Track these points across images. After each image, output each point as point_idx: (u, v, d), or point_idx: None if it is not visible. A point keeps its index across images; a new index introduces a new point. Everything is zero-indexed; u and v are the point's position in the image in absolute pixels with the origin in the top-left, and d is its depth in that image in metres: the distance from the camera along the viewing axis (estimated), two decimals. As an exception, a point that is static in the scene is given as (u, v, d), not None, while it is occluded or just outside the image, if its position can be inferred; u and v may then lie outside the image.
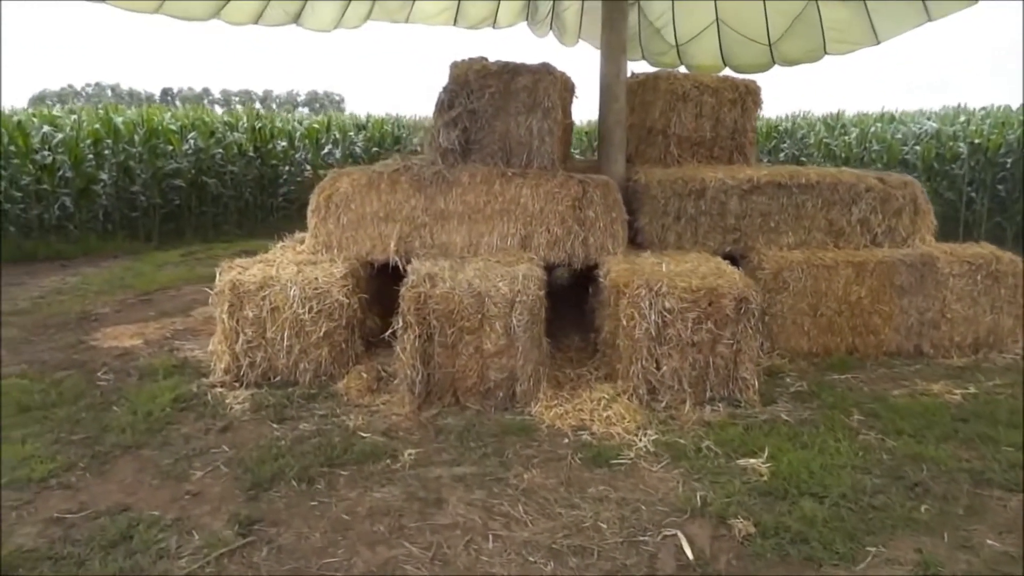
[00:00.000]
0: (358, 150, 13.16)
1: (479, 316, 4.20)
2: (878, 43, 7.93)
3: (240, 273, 4.67)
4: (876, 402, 4.34)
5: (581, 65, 6.91)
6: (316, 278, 4.61)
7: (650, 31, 9.97)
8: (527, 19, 9.66)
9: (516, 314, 4.18)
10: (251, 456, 3.59)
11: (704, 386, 4.29)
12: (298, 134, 12.83)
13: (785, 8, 8.51)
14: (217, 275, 4.71)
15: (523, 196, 5.05)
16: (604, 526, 2.97)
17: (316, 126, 13.36)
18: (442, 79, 5.27)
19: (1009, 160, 10.07)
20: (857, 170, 6.03)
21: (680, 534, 2.90)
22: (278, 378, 4.61)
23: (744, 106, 6.05)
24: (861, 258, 5.30)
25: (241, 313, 4.54)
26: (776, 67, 9.22)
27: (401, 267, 5.09)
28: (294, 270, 4.73)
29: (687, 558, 2.76)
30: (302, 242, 5.73)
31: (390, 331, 4.34)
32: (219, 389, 4.48)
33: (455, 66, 5.21)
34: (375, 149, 13.25)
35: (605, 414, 4.07)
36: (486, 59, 5.17)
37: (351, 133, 13.59)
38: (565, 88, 5.57)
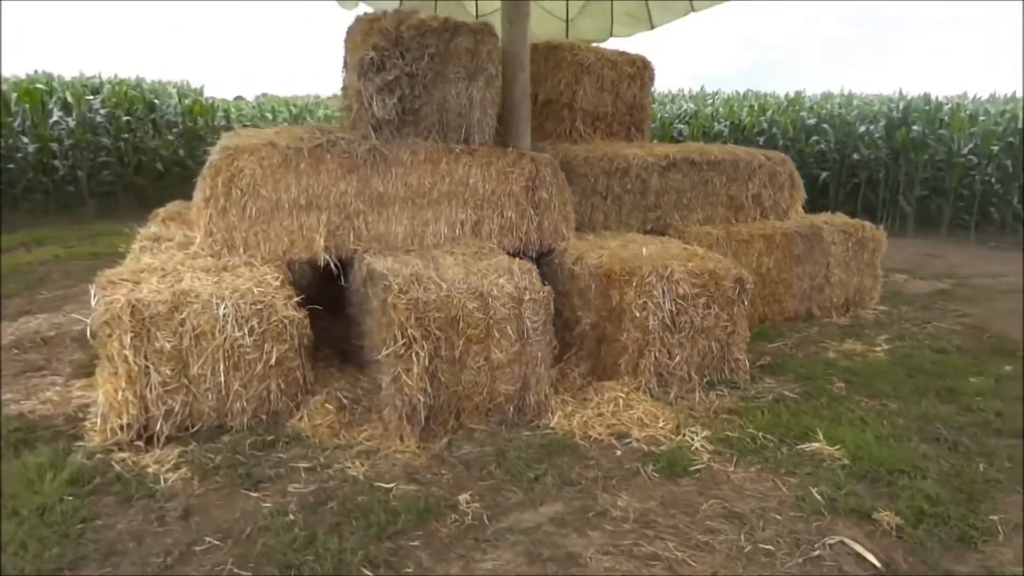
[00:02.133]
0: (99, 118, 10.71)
1: (486, 321, 3.52)
2: (652, 28, 8.54)
3: (132, 290, 3.35)
4: (828, 367, 4.58)
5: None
6: (250, 289, 3.49)
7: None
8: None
9: (529, 314, 3.59)
10: (266, 552, 2.56)
11: (703, 371, 4.13)
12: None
13: None
14: (93, 295, 3.33)
15: (472, 176, 4.37)
16: (768, 547, 2.64)
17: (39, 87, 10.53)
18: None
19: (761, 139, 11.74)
20: (739, 147, 6.34)
21: (849, 540, 2.68)
22: (198, 426, 3.43)
23: (642, 81, 5.97)
24: (769, 231, 5.57)
25: (150, 346, 3.26)
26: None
27: (334, 267, 4.12)
28: (211, 280, 3.53)
29: (872, 564, 2.56)
30: (159, 239, 4.39)
31: (385, 349, 3.42)
32: (123, 455, 3.19)
33: (382, 19, 4.28)
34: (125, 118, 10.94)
35: (632, 415, 3.70)
36: (418, 11, 4.34)
37: (88, 98, 10.95)
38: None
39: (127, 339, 3.20)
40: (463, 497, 2.94)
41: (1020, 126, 9.68)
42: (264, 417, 3.53)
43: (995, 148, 9.88)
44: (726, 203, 5.79)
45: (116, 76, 11.84)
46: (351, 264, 4.15)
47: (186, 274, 3.61)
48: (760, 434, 3.53)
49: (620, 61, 5.89)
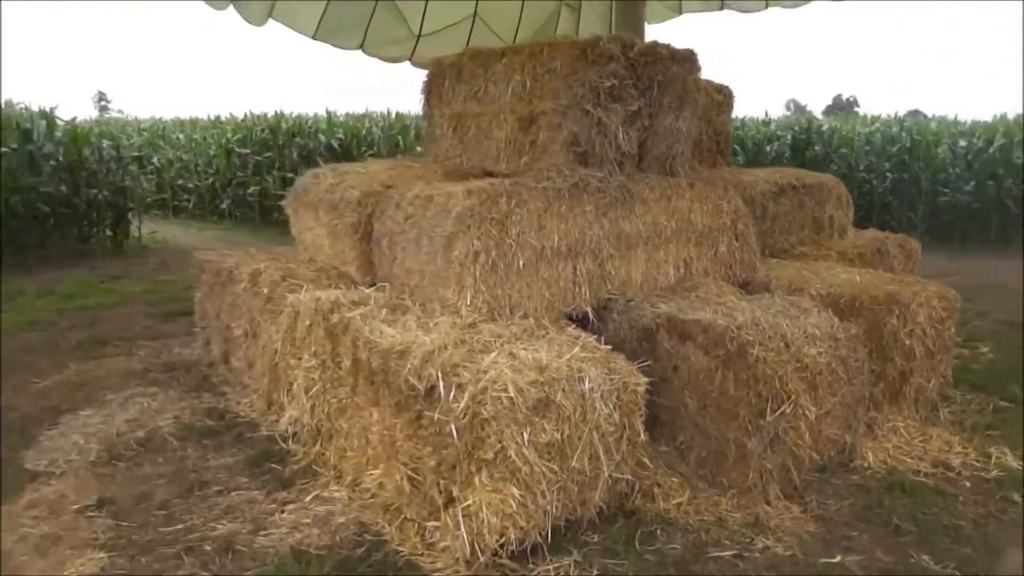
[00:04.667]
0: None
1: (822, 365, 3.33)
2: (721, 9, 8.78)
3: (501, 374, 2.71)
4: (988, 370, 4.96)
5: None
6: (595, 358, 2.98)
7: (389, 17, 8.87)
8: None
9: (847, 352, 3.45)
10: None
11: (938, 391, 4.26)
12: None
13: (540, 8, 8.78)
14: (445, 384, 2.65)
15: (693, 212, 4.13)
16: None
17: None
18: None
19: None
20: (808, 171, 6.63)
21: None
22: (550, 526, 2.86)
23: (728, 108, 6.04)
24: (849, 247, 5.89)
25: (537, 438, 2.65)
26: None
27: (594, 320, 3.68)
28: (543, 352, 2.95)
29: None
30: (358, 303, 3.65)
31: (762, 407, 3.08)
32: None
33: (599, 43, 3.89)
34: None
35: (929, 444, 3.71)
36: (633, 37, 4.01)
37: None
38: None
39: (521, 433, 2.58)
40: (924, 557, 2.75)
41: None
42: (606, 505, 3.02)
43: (887, 164, 11.37)
44: (811, 224, 6.04)
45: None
46: (604, 314, 3.72)
47: (501, 347, 2.99)
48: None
49: (709, 88, 5.92)
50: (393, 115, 14.19)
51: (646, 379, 2.99)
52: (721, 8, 8.85)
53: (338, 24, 7.51)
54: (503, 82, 4.52)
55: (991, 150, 10.71)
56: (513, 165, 4.43)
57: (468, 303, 3.30)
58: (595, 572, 2.64)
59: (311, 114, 14.11)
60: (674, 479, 3.25)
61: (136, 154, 11.32)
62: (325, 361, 3.54)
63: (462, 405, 2.60)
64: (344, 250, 4.40)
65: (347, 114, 14.26)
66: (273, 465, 3.58)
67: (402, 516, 2.93)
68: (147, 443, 3.89)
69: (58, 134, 9.62)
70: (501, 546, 2.64)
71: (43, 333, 6.08)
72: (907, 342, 3.91)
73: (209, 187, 14.14)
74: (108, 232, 10.19)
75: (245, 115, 14.10)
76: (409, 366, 2.82)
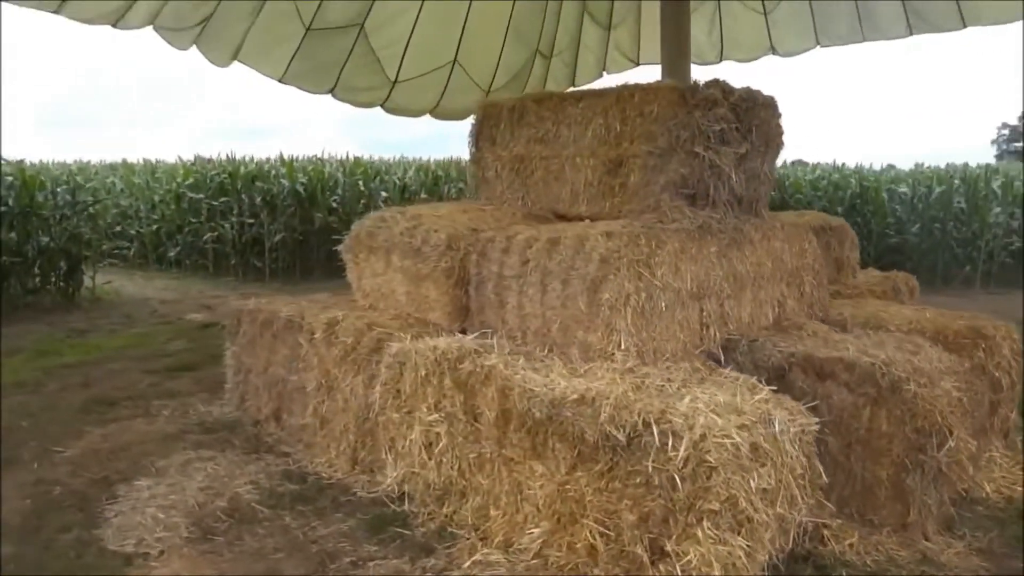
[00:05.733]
0: None
1: (958, 408, 3.41)
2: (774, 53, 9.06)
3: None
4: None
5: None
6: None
7: (365, 61, 8.78)
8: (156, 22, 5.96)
9: (967, 386, 3.56)
10: None
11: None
12: None
13: (516, 57, 8.98)
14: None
15: (784, 252, 4.21)
16: None
17: None
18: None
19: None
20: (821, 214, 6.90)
21: None
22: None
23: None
24: (879, 287, 6.18)
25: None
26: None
27: (721, 362, 3.64)
28: (730, 398, 2.88)
29: None
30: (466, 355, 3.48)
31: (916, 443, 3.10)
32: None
33: (706, 86, 3.95)
34: None
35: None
36: (724, 81, 4.09)
37: None
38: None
39: (747, 480, 2.48)
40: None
41: None
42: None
43: (839, 209, 12.11)
44: (834, 264, 6.28)
45: None
46: (726, 355, 3.69)
47: (677, 391, 2.90)
48: None
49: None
50: (352, 159, 13.92)
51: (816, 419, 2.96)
52: None
53: (310, 67, 7.34)
54: (579, 125, 4.51)
55: (932, 197, 11.59)
56: (596, 207, 4.40)
57: (621, 347, 3.19)
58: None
59: (264, 158, 13.65)
60: (838, 520, 3.21)
61: (91, 199, 10.51)
62: (454, 414, 3.32)
63: (681, 453, 2.49)
64: (428, 296, 4.20)
65: (303, 158, 13.87)
66: (398, 530, 3.29)
67: (590, 576, 2.74)
68: (235, 513, 3.50)
69: (8, 176, 8.83)
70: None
71: (35, 395, 5.46)
72: (995, 374, 4.07)
73: (153, 234, 13.33)
74: (60, 283, 9.37)
75: (195, 158, 13.47)
76: (603, 415, 2.67)
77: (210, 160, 13.67)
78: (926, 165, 13.93)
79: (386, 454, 3.68)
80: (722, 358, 3.58)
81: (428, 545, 3.16)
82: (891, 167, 14.23)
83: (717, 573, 2.45)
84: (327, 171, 12.73)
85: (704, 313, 3.59)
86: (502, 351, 3.39)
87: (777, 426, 2.74)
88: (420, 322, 4.20)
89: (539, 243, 3.61)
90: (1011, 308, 8.65)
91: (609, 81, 9.90)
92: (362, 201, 12.74)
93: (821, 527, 3.12)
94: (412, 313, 4.33)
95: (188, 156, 13.97)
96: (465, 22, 8.03)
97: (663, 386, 2.94)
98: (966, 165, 12.71)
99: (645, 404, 2.69)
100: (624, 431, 2.63)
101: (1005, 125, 50.72)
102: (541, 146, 4.75)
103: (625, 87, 4.30)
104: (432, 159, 15.44)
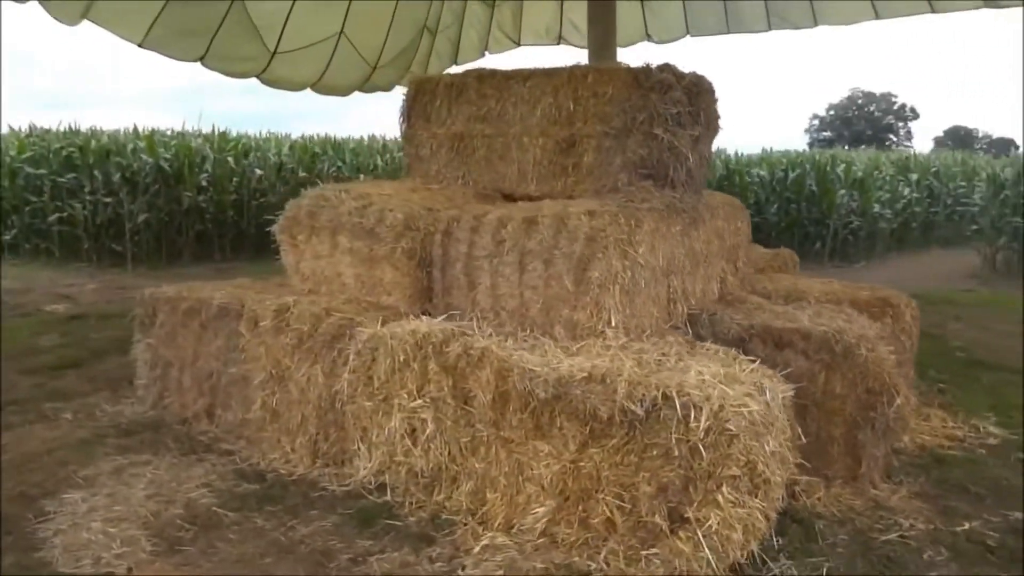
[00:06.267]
0: None
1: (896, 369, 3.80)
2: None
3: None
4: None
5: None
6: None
7: (240, 29, 8.26)
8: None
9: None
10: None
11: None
12: None
13: (405, 32, 8.88)
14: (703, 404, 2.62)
15: (724, 230, 4.46)
16: None
17: None
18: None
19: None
20: None
21: None
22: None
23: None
24: (770, 262, 6.70)
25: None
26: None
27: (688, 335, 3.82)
28: (722, 368, 3.03)
29: None
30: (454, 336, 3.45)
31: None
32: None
33: (659, 71, 4.05)
34: None
35: (940, 422, 4.41)
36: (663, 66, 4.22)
37: None
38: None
39: (763, 445, 2.64)
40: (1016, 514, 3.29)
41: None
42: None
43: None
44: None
45: None
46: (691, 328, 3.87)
47: (676, 365, 3.02)
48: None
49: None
50: (218, 133, 12.92)
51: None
52: (558, 43, 9.58)
53: (175, 31, 6.65)
54: (526, 104, 4.50)
55: (788, 180, 12.70)
56: (546, 186, 4.42)
57: (612, 324, 3.25)
58: (823, 572, 2.76)
59: (118, 130, 12.39)
60: (804, 476, 3.49)
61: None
62: (441, 398, 3.24)
63: (703, 423, 2.59)
64: (383, 279, 4.03)
65: (157, 130, 12.67)
66: (387, 522, 3.17)
67: (605, 549, 2.79)
68: (196, 520, 3.21)
69: None
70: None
71: None
72: (900, 337, 4.58)
73: (-19, 215, 11.68)
74: None
75: (31, 128, 11.94)
76: (620, 391, 2.72)
77: (48, 131, 12.18)
78: (774, 150, 15.24)
79: (358, 444, 3.52)
80: (689, 332, 3.74)
81: (425, 534, 3.07)
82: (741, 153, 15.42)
83: (738, 534, 2.60)
84: (193, 146, 11.75)
85: (671, 289, 3.73)
86: (484, 332, 3.35)
87: (768, 393, 2.93)
88: (374, 306, 4.03)
89: (514, 222, 3.57)
90: (861, 279, 9.72)
91: (542, 61, 9.90)
92: (234, 179, 11.91)
93: (792, 483, 3.37)
94: (363, 297, 4.14)
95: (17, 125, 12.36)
96: (353, -7, 7.64)
97: (661, 360, 3.04)
98: (813, 150, 14.02)
99: (660, 378, 2.77)
100: (642, 405, 2.69)
101: (815, 116, 56.69)
102: (483, 124, 4.69)
103: (577, 67, 4.34)
104: (304, 135, 14.71)
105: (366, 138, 15.64)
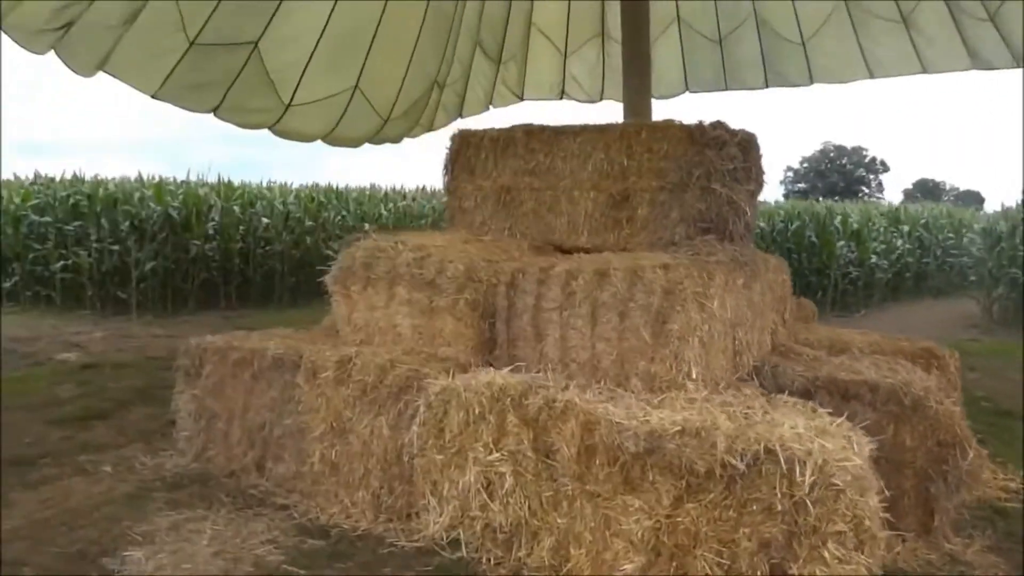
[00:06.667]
0: None
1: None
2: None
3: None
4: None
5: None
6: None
7: (257, 82, 8.39)
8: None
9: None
10: None
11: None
12: None
13: (417, 86, 9.07)
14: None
15: (775, 283, 4.53)
16: None
17: None
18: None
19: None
20: None
21: None
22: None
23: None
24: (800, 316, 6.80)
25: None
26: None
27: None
28: (806, 422, 3.04)
29: None
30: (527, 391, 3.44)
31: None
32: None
33: (713, 127, 4.16)
34: None
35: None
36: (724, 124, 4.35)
37: None
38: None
39: (868, 500, 2.63)
40: (1099, 568, 3.29)
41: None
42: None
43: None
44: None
45: None
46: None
47: (764, 417, 3.02)
48: None
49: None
50: (220, 182, 12.93)
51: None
52: (560, 98, 9.90)
53: (191, 84, 6.69)
54: (577, 159, 4.59)
55: (789, 231, 12.95)
56: (598, 239, 4.49)
57: (692, 377, 3.26)
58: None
59: (117, 177, 12.37)
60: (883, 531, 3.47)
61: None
62: (520, 452, 3.20)
63: (808, 478, 2.59)
64: (443, 330, 4.02)
65: (170, 179, 12.70)
66: (469, 580, 3.10)
67: (704, 607, 2.75)
68: (270, 580, 3.11)
69: None
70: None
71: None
72: (948, 389, 4.63)
73: (-19, 262, 11.51)
74: None
75: (36, 177, 11.89)
76: (721, 445, 2.71)
77: (53, 179, 12.14)
78: (772, 202, 15.58)
79: (427, 499, 3.45)
80: (756, 383, 3.76)
81: (511, 593, 3.00)
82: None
83: (843, 592, 2.57)
84: (201, 194, 11.75)
85: (736, 341, 3.76)
86: (559, 384, 3.34)
87: (856, 447, 2.93)
88: (434, 358, 4.01)
89: (584, 275, 3.60)
90: (864, 327, 9.85)
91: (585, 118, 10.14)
92: (240, 227, 11.89)
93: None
94: (421, 348, 4.12)
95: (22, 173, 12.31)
96: (369, 49, 7.77)
97: (747, 413, 3.04)
98: (810, 200, 14.35)
99: (758, 432, 2.77)
100: (743, 460, 2.69)
101: (789, 168, 58.13)
102: (532, 177, 4.76)
103: (630, 123, 4.47)
104: (306, 184, 14.79)
105: (367, 188, 15.75)
